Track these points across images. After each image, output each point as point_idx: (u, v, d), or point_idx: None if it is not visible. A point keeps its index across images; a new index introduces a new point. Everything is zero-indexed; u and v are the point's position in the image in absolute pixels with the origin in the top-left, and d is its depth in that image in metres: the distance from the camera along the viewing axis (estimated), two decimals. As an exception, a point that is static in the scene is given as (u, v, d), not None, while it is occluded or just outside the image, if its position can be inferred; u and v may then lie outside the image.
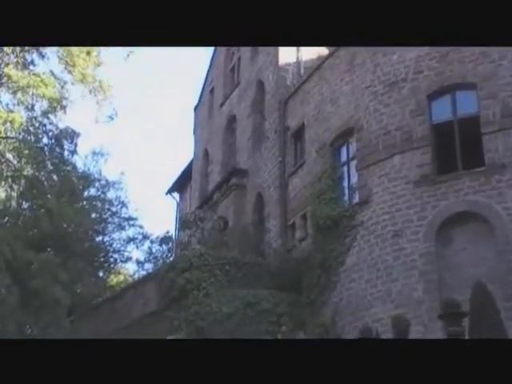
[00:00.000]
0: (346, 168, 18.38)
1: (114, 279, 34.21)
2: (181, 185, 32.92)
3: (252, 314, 16.91)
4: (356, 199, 17.43)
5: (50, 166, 22.98)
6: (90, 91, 20.74)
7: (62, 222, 22.42)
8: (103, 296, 26.33)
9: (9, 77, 20.40)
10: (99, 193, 33.51)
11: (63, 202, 22.36)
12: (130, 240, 34.57)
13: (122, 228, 34.36)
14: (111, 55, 38.04)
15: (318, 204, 18.25)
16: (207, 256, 18.71)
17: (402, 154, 16.33)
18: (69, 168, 24.27)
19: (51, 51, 20.55)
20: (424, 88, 16.49)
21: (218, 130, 28.07)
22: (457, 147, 15.86)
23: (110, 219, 33.75)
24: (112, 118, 22.02)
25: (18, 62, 20.61)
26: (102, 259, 32.47)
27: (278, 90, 22.68)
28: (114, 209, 34.14)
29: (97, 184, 33.24)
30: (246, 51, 26.49)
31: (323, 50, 21.20)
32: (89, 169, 32.56)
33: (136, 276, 34.08)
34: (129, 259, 34.81)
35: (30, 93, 20.94)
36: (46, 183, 22.81)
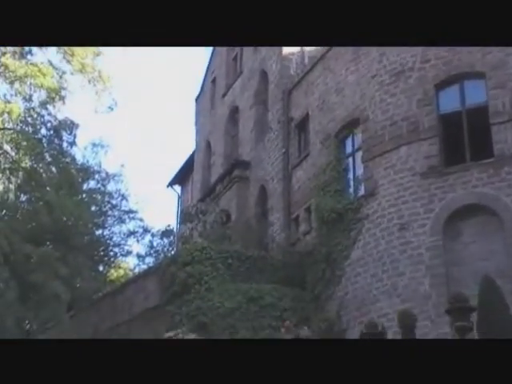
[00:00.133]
0: (351, 159, 18.23)
1: (114, 273, 34.19)
2: (182, 177, 32.75)
3: (255, 308, 16.86)
4: (361, 191, 17.29)
5: (48, 158, 22.84)
6: (90, 81, 20.59)
7: (62, 215, 22.24)
8: (103, 291, 26.28)
9: (6, 66, 20.26)
10: (99, 185, 33.48)
11: (62, 195, 22.15)
12: (131, 233, 34.59)
13: (123, 221, 34.39)
14: (111, 45, 37.74)
15: (323, 196, 18.11)
16: (209, 250, 18.52)
17: (409, 145, 16.18)
18: (68, 160, 24.10)
19: (49, 41, 20.27)
20: (431, 77, 16.32)
21: (220, 121, 27.85)
22: (465, 138, 15.72)
23: (110, 212, 33.73)
24: (112, 109, 21.97)
25: (15, 52, 20.46)
26: (102, 253, 32.45)
27: (282, 79, 22.49)
28: (114, 202, 34.12)
29: (96, 176, 33.19)
30: (248, 41, 26.16)
31: (327, 40, 20.86)
32: (88, 161, 32.52)
33: (136, 270, 34.09)
34: (129, 253, 34.86)
35: (28, 83, 20.84)
36: (44, 175, 22.62)
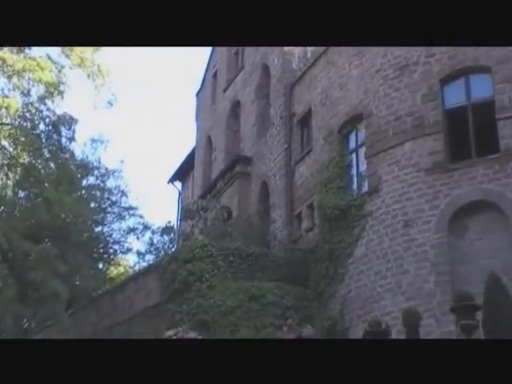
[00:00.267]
0: (354, 155, 18.06)
1: (113, 271, 34.12)
2: (183, 173, 32.58)
3: (257, 307, 16.75)
4: (365, 188, 17.14)
5: (47, 154, 22.77)
6: (89, 76, 20.45)
7: (60, 211, 22.17)
8: (103, 288, 26.22)
9: (4, 60, 20.15)
10: (98, 181, 33.41)
11: (61, 191, 22.06)
12: (131, 230, 34.54)
13: (122, 218, 34.34)
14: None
15: (326, 193, 17.97)
16: (210, 247, 18.38)
17: (413, 140, 16.02)
18: (67, 156, 24.04)
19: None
20: (436, 72, 16.15)
21: (221, 116, 27.68)
22: (470, 133, 15.57)
23: (109, 209, 33.67)
24: (111, 104, 21.87)
25: (13, 45, 20.17)
26: (102, 250, 32.42)
27: (284, 74, 22.33)
28: (113, 198, 34.06)
29: (96, 172, 33.13)
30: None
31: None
32: (87, 156, 32.46)
33: (136, 268, 34.07)
34: (129, 250, 34.82)
35: (26, 77, 20.74)
36: (43, 171, 22.53)
